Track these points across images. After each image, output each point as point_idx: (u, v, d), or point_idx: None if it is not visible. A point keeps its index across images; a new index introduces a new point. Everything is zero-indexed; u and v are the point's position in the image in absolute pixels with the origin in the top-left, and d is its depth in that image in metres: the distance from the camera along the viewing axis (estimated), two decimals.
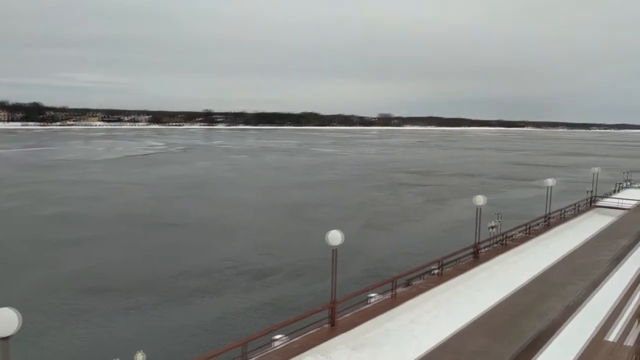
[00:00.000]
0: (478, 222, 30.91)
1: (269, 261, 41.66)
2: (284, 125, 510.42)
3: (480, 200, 31.03)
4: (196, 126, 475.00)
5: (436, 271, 27.96)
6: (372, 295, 23.88)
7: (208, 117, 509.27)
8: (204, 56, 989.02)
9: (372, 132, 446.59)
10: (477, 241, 31.55)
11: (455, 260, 30.09)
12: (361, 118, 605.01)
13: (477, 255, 31.49)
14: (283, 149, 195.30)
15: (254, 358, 17.73)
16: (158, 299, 32.91)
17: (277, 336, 19.08)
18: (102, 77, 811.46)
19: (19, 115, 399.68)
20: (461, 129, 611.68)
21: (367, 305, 23.03)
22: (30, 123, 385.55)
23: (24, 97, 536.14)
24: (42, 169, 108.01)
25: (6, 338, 9.65)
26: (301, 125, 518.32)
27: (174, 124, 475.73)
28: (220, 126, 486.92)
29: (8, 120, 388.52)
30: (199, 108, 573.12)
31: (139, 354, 19.13)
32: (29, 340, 24.48)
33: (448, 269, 28.69)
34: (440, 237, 50.26)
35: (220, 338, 25.94)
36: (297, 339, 19.23)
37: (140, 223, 55.33)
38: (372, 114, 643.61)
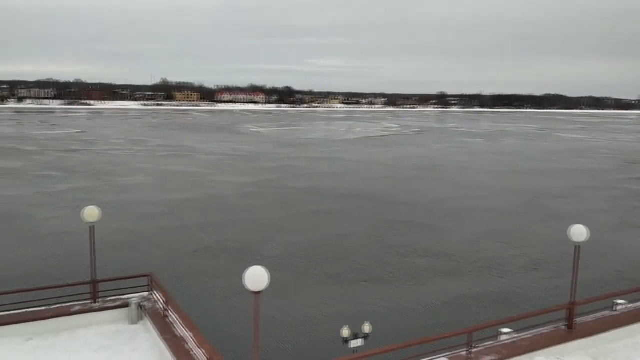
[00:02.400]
0: None
1: (503, 250, 40.18)
2: (523, 108, 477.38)
3: None
4: (430, 109, 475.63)
5: None
6: (620, 302, 21.23)
7: (442, 100, 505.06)
8: (439, 37, 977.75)
9: (630, 117, 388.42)
10: None
11: None
12: (617, 100, 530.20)
13: None
14: (521, 133, 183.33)
15: (480, 348, 17.43)
16: (389, 274, 34.60)
17: (505, 330, 18.41)
18: (343, 62, 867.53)
19: (274, 98, 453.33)
20: None
21: (614, 312, 20.58)
22: (282, 105, 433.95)
23: (278, 82, 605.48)
24: (294, 146, 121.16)
25: (257, 292, 11.16)
26: (543, 108, 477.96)
27: (408, 106, 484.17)
28: (454, 109, 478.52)
29: (265, 103, 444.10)
30: (433, 90, 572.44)
31: (366, 324, 20.51)
32: (277, 295, 28.12)
33: None
34: None
35: (445, 321, 26.17)
36: (527, 336, 18.26)
37: (376, 199, 58.41)
38: (632, 95, 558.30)
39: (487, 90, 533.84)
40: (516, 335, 18.21)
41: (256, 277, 10.95)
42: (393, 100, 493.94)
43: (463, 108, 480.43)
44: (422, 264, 36.72)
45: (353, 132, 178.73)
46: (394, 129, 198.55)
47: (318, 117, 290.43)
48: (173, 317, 16.18)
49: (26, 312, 16.72)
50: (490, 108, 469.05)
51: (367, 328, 20.45)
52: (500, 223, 48.71)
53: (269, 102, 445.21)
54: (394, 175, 78.07)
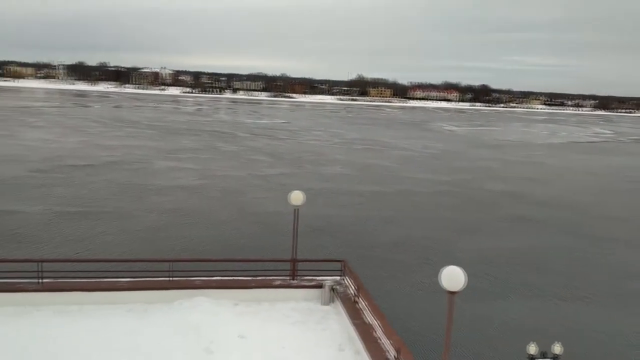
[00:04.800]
0: None
1: None
2: None
3: None
4: None
5: None
6: None
7: None
8: None
9: None
10: None
11: None
12: None
13: None
14: None
15: None
16: (592, 295, 31.54)
17: None
18: (544, 60, 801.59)
19: (468, 96, 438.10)
20: None
21: None
22: (477, 103, 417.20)
23: (473, 79, 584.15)
24: (489, 147, 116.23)
25: (453, 292, 11.01)
26: None
27: (623, 110, 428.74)
28: None
29: (458, 101, 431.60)
30: None
31: (557, 345, 18.83)
32: (467, 298, 27.41)
33: None
34: None
35: None
36: None
37: (581, 211, 53.40)
38: None
39: None
40: None
41: (453, 277, 10.97)
42: (605, 103, 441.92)
43: None
44: (635, 289, 32.52)
45: (557, 136, 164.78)
46: (606, 135, 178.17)
47: (516, 118, 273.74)
48: (363, 303, 16.76)
49: (233, 279, 18.76)
50: None
51: (557, 349, 18.78)
52: None
53: (463, 100, 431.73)
54: (604, 186, 70.29)
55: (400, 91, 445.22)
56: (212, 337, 15.29)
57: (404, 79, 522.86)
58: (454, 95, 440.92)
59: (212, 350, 14.74)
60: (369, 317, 15.93)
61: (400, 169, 76.58)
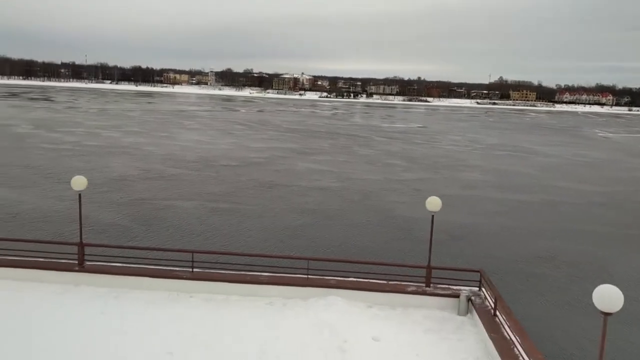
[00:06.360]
0: None
1: None
2: None
3: None
4: None
5: None
6: None
7: None
8: None
9: None
10: None
11: None
12: None
13: None
14: None
15: None
16: None
17: None
18: None
19: (625, 99, 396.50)
20: None
21: None
22: (634, 108, 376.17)
23: (632, 81, 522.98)
24: None
25: (608, 314, 9.75)
26: None
27: None
28: None
29: (613, 105, 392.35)
30: None
31: None
32: (624, 321, 24.57)
33: None
34: None
35: None
36: None
37: None
38: None
39: None
40: None
41: (608, 297, 9.77)
42: None
43: None
44: None
45: None
46: None
47: None
48: (501, 317, 15.92)
49: (367, 281, 18.70)
50: None
51: None
52: None
53: (618, 104, 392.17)
54: None
55: (546, 94, 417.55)
56: (346, 337, 15.49)
57: (550, 82, 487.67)
58: (608, 98, 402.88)
59: (345, 349, 14.92)
60: (509, 332, 15.09)
61: (546, 178, 71.42)
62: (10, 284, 17.86)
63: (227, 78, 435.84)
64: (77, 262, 18.99)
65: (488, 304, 17.26)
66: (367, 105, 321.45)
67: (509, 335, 14.99)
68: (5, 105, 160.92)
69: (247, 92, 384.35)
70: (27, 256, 19.25)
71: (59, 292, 17.67)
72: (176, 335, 15.24)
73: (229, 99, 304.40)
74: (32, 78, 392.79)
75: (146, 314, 16.47)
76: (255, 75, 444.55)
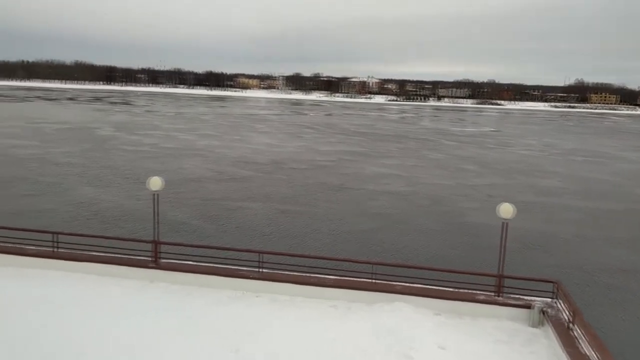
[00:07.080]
0: None
1: None
2: None
3: None
4: None
5: None
6: None
7: None
8: None
9: None
10: None
11: None
12: None
13: None
14: None
15: None
16: None
17: None
18: None
19: None
20: None
21: None
22: None
23: None
24: None
25: None
26: None
27: None
28: None
29: None
30: None
31: None
32: None
33: None
34: None
35: None
36: None
37: None
38: None
39: None
40: None
41: None
42: None
43: None
44: None
45: None
46: None
47: None
48: (578, 331, 15.06)
49: (434, 288, 18.15)
50: None
51: None
52: None
53: None
54: None
55: (629, 97, 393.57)
56: (411, 344, 15.20)
57: (633, 83, 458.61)
58: None
59: (411, 356, 14.65)
60: (586, 348, 14.29)
61: (628, 185, 67.25)
62: (94, 279, 19.07)
63: (296, 82, 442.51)
64: (152, 259, 19.84)
65: (564, 317, 16.38)
66: (437, 108, 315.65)
67: (586, 351, 14.19)
68: (90, 109, 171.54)
69: (315, 96, 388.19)
70: (108, 252, 20.34)
71: (137, 288, 18.57)
72: (242, 333, 15.57)
73: (297, 102, 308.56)
74: (113, 83, 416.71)
75: (215, 312, 16.94)
76: (323, 79, 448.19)
